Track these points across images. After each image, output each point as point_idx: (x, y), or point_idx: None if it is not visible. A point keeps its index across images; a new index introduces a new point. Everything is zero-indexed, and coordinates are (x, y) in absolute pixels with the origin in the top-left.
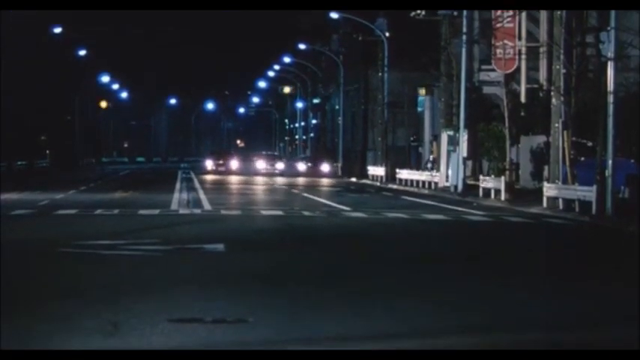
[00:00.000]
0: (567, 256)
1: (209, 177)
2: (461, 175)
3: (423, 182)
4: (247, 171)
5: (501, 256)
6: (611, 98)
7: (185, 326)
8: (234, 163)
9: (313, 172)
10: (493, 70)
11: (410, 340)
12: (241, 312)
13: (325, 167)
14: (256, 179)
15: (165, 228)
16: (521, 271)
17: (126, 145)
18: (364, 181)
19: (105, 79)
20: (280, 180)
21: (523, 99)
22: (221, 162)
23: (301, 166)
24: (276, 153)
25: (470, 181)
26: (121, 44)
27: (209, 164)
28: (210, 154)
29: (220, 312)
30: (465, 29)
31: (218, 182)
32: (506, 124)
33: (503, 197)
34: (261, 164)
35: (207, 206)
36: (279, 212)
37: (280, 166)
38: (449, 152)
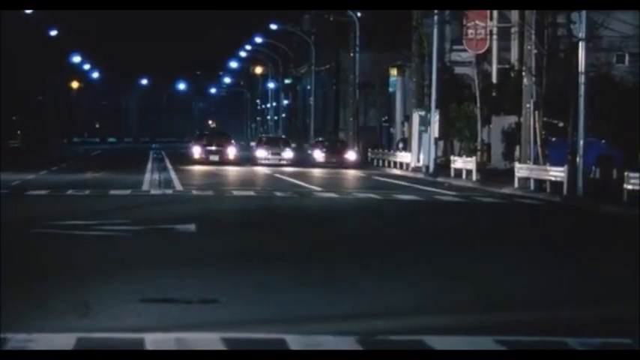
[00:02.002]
0: (536, 235)
1: (195, 169)
2: (432, 156)
3: (395, 163)
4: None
5: (471, 235)
6: (582, 79)
7: (157, 306)
8: (233, 151)
9: (336, 162)
10: (464, 50)
11: (382, 320)
12: (213, 292)
13: (351, 155)
14: (260, 174)
15: (137, 208)
16: (492, 250)
17: (97, 126)
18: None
19: (76, 59)
20: (289, 175)
21: (494, 79)
22: (214, 149)
23: (318, 155)
24: (282, 135)
25: (441, 162)
26: (92, 24)
27: (197, 152)
28: (198, 138)
29: (192, 292)
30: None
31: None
32: (478, 105)
33: (474, 177)
34: (261, 152)
35: (178, 186)
36: (251, 192)
37: (288, 154)
38: (420, 133)
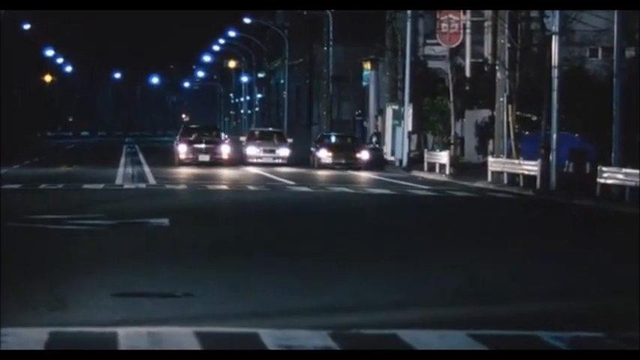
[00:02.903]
0: (509, 229)
1: (180, 173)
2: (406, 150)
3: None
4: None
5: (443, 229)
6: (555, 73)
7: (130, 300)
8: (226, 150)
9: (345, 163)
10: (438, 44)
11: (356, 314)
12: (187, 286)
13: (364, 154)
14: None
15: (110, 202)
16: (464, 244)
17: (70, 120)
18: None
19: (49, 52)
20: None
21: (468, 73)
22: (203, 147)
23: (324, 155)
24: (278, 130)
25: (415, 156)
26: (65, 18)
27: (183, 151)
28: (184, 133)
29: (165, 286)
30: None
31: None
32: (451, 99)
33: (447, 171)
34: (252, 150)
35: (151, 180)
36: (224, 186)
37: (284, 152)
38: (394, 126)
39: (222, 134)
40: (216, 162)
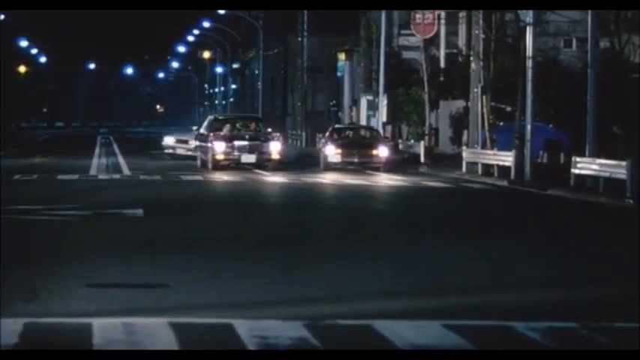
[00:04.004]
0: (483, 219)
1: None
2: None
3: None
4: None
5: (417, 220)
6: (529, 63)
7: (104, 291)
8: (276, 147)
9: (359, 163)
10: (412, 35)
11: (330, 304)
12: (161, 277)
13: (382, 150)
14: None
15: (85, 193)
16: (439, 235)
17: (45, 110)
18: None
19: (23, 43)
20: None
21: (442, 64)
22: (246, 144)
23: (331, 152)
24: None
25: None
26: (38, 9)
27: (220, 150)
28: (215, 126)
29: (140, 277)
30: None
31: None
32: (426, 89)
33: (422, 162)
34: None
35: (126, 171)
36: (199, 177)
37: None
38: (368, 117)
39: (269, 128)
40: (265, 164)
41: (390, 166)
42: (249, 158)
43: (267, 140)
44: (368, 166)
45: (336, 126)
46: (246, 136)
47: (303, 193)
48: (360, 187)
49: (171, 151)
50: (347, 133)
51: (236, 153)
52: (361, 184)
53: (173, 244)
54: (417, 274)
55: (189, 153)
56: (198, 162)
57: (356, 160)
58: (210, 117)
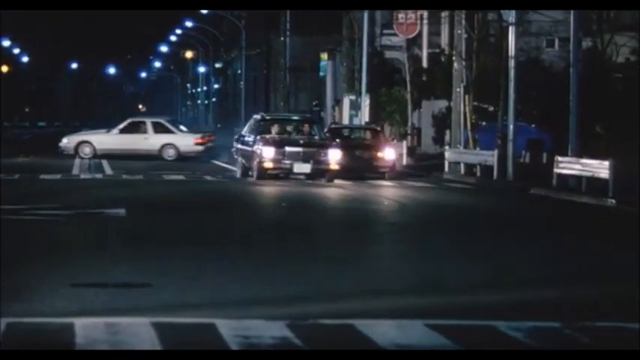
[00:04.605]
0: (465, 219)
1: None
2: None
3: None
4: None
5: (400, 220)
6: (512, 63)
7: (87, 291)
8: (335, 155)
9: (362, 167)
10: (395, 34)
11: (313, 304)
12: (144, 276)
13: (389, 153)
14: None
15: (67, 192)
16: (421, 235)
17: (27, 110)
18: None
19: (5, 43)
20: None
21: (425, 64)
22: (300, 150)
23: (334, 155)
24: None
25: None
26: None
27: (268, 157)
28: (262, 127)
29: (123, 276)
30: None
31: None
32: (408, 89)
33: (405, 162)
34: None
35: (108, 171)
36: (181, 177)
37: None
38: (351, 117)
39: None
40: (320, 174)
41: (395, 173)
42: (302, 168)
43: (324, 147)
44: (373, 172)
45: (333, 125)
46: (300, 141)
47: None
48: (346, 187)
49: (72, 152)
50: (347, 134)
51: (287, 161)
52: (340, 183)
53: (155, 243)
54: (399, 273)
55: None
56: (238, 171)
57: (358, 164)
58: (256, 116)
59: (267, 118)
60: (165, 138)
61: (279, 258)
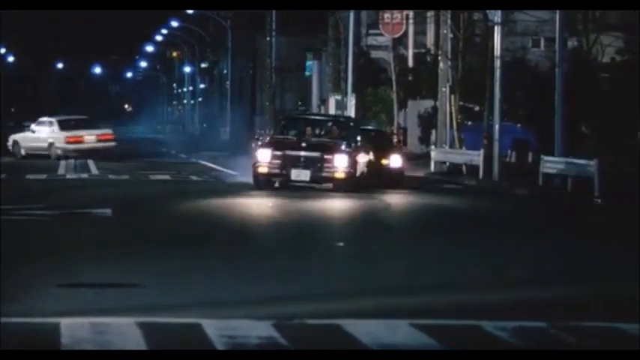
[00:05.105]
0: (452, 219)
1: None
2: None
3: None
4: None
5: (385, 219)
6: (497, 63)
7: (74, 291)
8: (343, 161)
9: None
10: (381, 34)
11: (300, 304)
12: (130, 276)
13: (396, 160)
14: None
15: (53, 193)
16: (408, 234)
17: (13, 110)
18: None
19: None
20: None
21: (411, 63)
22: (301, 155)
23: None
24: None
25: None
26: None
27: (264, 160)
28: (284, 127)
29: (109, 277)
30: None
31: None
32: (394, 89)
33: None
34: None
35: (94, 170)
36: (167, 177)
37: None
38: None
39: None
40: (323, 183)
41: (402, 180)
42: (301, 175)
43: (332, 151)
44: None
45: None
46: (304, 144)
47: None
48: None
49: (23, 152)
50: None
51: (285, 166)
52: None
53: (142, 243)
54: (386, 273)
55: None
56: (253, 179)
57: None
58: (282, 116)
59: (293, 117)
60: (51, 137)
61: (266, 257)
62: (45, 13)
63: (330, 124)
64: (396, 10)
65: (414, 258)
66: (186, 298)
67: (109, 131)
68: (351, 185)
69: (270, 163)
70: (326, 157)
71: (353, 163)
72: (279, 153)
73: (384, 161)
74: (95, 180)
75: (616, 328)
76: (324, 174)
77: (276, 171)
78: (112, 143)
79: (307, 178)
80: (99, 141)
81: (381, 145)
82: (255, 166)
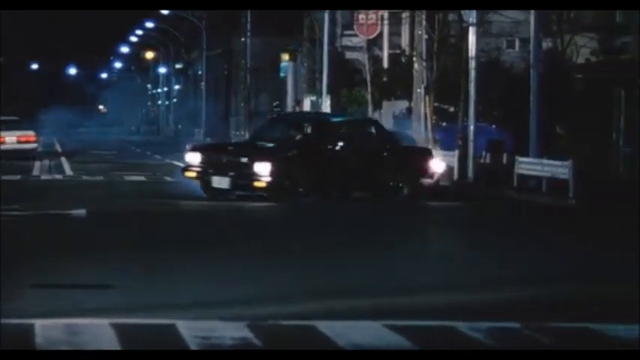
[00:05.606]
0: (427, 220)
1: None
2: None
3: None
4: None
5: (359, 221)
6: (472, 64)
7: (49, 292)
8: (265, 169)
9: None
10: (355, 35)
11: (274, 305)
12: (105, 277)
13: (436, 165)
14: None
15: (27, 193)
16: (380, 236)
17: None
18: None
19: None
20: None
21: (385, 64)
22: (224, 160)
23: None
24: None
25: None
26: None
27: (191, 163)
28: (262, 131)
29: (83, 278)
30: None
31: None
32: (369, 90)
33: None
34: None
35: (68, 171)
36: (142, 178)
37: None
38: None
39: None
40: (243, 192)
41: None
42: (221, 182)
43: (254, 157)
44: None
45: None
46: (229, 148)
47: None
48: None
49: None
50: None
51: (208, 172)
52: None
53: (116, 244)
54: (360, 274)
55: None
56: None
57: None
58: (269, 117)
59: (276, 117)
60: None
61: (239, 259)
62: (19, 13)
63: (307, 121)
64: (370, 10)
65: (388, 259)
66: (160, 299)
67: (31, 133)
68: (274, 195)
69: (195, 167)
70: (247, 163)
71: (281, 170)
72: (206, 157)
73: (428, 166)
74: (69, 181)
75: (589, 328)
76: (243, 181)
77: (202, 176)
78: (34, 145)
79: (227, 186)
80: (19, 142)
81: (417, 154)
82: (182, 170)
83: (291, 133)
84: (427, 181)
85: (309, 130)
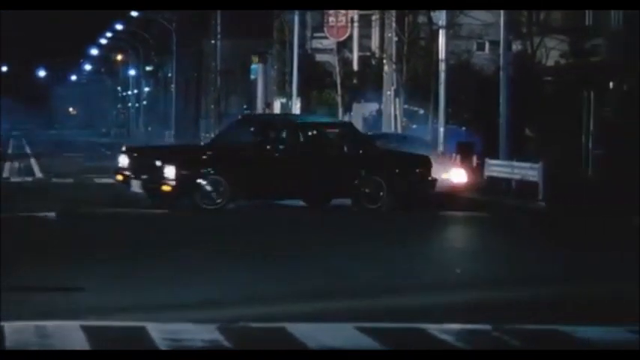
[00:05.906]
0: (393, 221)
1: None
2: None
3: None
4: None
5: (330, 223)
6: (442, 66)
7: (19, 295)
8: (170, 172)
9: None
10: (326, 37)
11: (244, 307)
12: (75, 280)
13: (460, 174)
14: None
15: None
16: (350, 240)
17: None
18: None
19: None
20: None
21: (355, 67)
22: (136, 162)
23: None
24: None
25: None
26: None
27: (120, 166)
28: (226, 133)
29: (54, 280)
30: None
31: None
32: (339, 92)
33: None
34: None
35: (38, 174)
36: (112, 180)
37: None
38: None
39: None
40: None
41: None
42: (135, 185)
43: (164, 159)
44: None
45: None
46: (153, 151)
47: None
48: None
49: None
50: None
51: (130, 174)
52: None
53: (86, 246)
54: (331, 276)
55: None
56: None
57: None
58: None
59: (246, 118)
60: None
61: (211, 260)
62: None
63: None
64: (341, 10)
65: (353, 260)
66: (131, 301)
67: None
68: (180, 201)
69: (122, 170)
70: (161, 165)
71: (189, 174)
72: (130, 160)
73: (447, 175)
74: (39, 183)
75: (561, 331)
76: (152, 185)
77: (125, 179)
78: None
79: (138, 190)
80: None
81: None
82: (113, 173)
83: (253, 135)
84: (424, 189)
85: (261, 133)
